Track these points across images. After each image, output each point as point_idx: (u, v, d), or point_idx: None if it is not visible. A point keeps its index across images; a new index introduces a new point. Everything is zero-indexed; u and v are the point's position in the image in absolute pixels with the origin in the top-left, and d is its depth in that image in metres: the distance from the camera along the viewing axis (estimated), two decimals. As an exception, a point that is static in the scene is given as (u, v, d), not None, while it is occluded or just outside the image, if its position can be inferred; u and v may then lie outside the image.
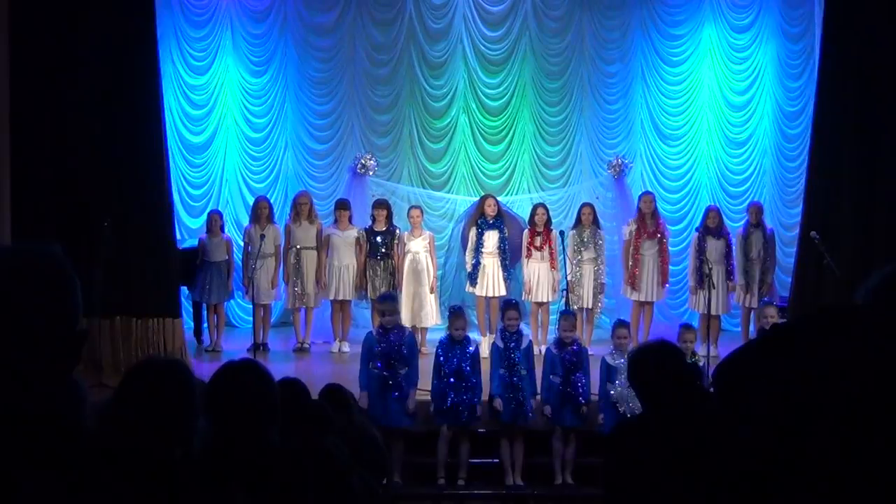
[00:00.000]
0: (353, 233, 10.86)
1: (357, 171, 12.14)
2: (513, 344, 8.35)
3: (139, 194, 9.53)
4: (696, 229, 11.25)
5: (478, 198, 11.75)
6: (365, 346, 8.40)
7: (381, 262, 10.74)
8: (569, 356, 8.41)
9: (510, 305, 8.65)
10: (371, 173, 12.18)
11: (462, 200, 12.51)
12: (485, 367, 8.50)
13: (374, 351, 8.27)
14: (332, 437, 4.35)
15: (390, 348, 8.25)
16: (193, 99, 12.67)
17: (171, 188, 10.19)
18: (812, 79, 12.11)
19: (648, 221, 11.13)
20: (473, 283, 10.84)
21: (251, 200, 12.04)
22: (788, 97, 12.63)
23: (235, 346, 10.92)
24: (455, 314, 8.47)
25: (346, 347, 10.88)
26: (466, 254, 11.00)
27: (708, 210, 11.28)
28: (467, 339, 8.43)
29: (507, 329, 8.42)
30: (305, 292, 10.84)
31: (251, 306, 11.07)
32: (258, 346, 10.49)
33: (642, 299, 11.13)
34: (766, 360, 2.13)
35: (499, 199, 11.51)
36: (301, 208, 10.95)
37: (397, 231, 10.84)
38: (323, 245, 10.86)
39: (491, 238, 10.89)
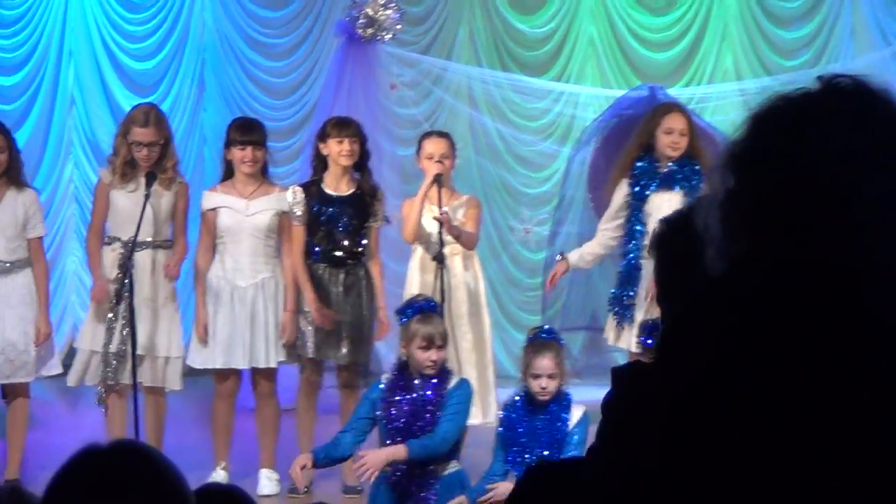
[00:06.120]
0: (272, 201, 8.56)
1: (356, 31, 10.59)
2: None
3: None
4: None
5: (625, 91, 10.45)
6: (364, 410, 7.62)
7: (344, 274, 8.66)
8: None
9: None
10: (388, 37, 10.67)
11: (587, 97, 11.64)
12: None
13: (387, 420, 7.38)
14: None
15: (422, 411, 7.30)
16: None
17: None
18: None
19: None
20: (625, 319, 9.05)
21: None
22: None
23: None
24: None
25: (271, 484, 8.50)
26: (596, 238, 9.22)
27: None
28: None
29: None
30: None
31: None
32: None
33: None
34: None
35: (679, 100, 9.63)
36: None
37: (378, 194, 8.73)
38: (203, 237, 8.62)
39: (666, 204, 8.77)
